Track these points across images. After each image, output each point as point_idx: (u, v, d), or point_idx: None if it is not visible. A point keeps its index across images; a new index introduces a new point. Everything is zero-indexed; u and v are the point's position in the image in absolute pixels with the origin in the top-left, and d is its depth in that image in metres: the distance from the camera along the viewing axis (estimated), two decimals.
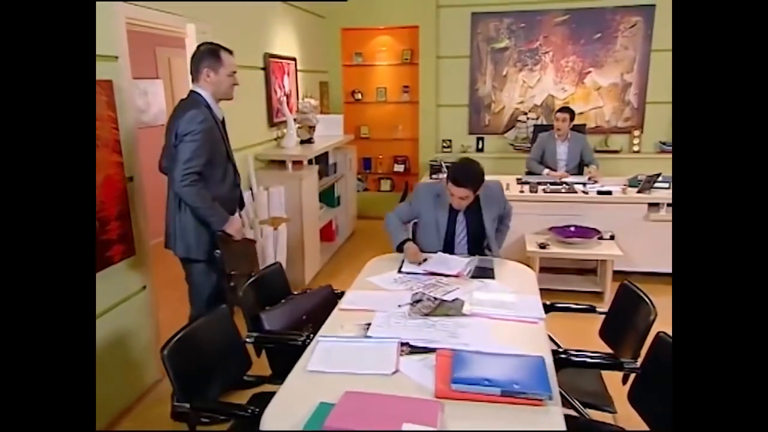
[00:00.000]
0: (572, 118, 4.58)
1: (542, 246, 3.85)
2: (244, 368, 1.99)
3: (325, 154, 4.85)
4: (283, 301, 2.28)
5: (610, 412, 1.92)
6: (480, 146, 6.02)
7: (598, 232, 3.91)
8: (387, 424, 1.30)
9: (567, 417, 1.83)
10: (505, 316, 1.97)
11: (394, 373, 1.60)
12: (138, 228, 2.61)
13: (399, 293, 2.20)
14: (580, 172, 4.74)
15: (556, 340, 2.34)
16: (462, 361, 1.60)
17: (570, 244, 3.86)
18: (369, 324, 1.91)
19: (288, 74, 4.68)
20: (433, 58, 5.82)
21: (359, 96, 6.19)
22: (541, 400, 1.43)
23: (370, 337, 1.82)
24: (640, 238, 4.05)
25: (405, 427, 1.28)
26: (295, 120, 4.42)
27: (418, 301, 2.11)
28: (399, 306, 2.07)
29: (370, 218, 6.11)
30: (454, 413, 1.41)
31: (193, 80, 2.40)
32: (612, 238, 3.99)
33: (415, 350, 1.74)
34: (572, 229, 3.95)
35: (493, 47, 5.82)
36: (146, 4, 2.67)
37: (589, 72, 5.71)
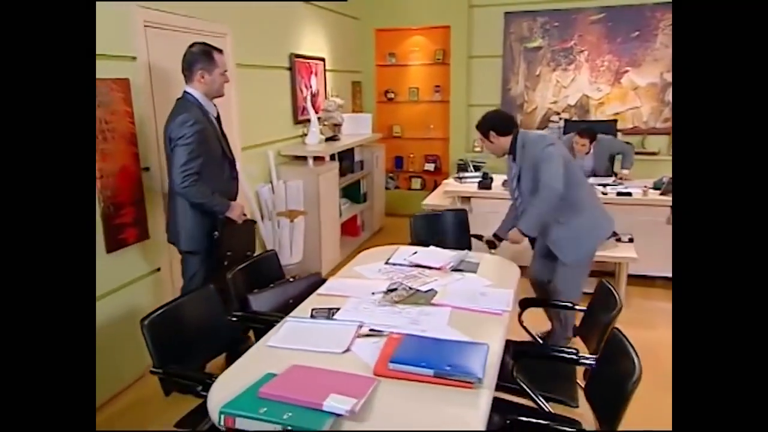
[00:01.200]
0: (592, 141, 4.38)
1: None
2: (230, 344, 2.15)
3: (351, 152, 4.99)
4: (272, 285, 2.43)
5: (572, 407, 1.93)
6: None
7: (616, 234, 3.82)
8: (316, 395, 1.40)
9: (523, 407, 1.88)
10: (470, 307, 2.02)
11: (344, 351, 1.70)
12: (153, 214, 2.85)
13: (378, 282, 2.30)
14: (612, 174, 4.60)
15: (533, 333, 2.36)
16: (409, 344, 1.68)
17: None
18: (337, 309, 2.02)
19: (316, 74, 4.86)
20: (464, 57, 5.84)
21: (392, 96, 6.30)
22: (471, 382, 1.49)
23: (334, 319, 1.94)
24: (661, 242, 3.92)
25: (330, 398, 1.38)
26: (319, 118, 4.59)
27: (392, 290, 2.20)
28: (373, 294, 2.17)
29: (399, 215, 6.19)
30: (388, 390, 1.50)
31: (186, 81, 2.48)
32: (631, 240, 3.88)
33: (373, 333, 1.83)
34: None
35: (526, 47, 5.77)
36: (163, 5, 2.89)
37: (626, 71, 5.54)
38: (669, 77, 5.42)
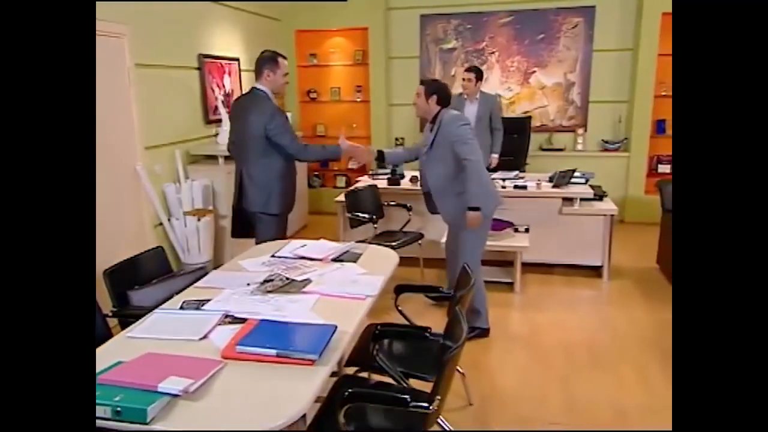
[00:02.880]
0: (479, 78, 4.64)
1: None
2: None
3: None
4: (154, 281, 2.46)
5: (427, 381, 2.07)
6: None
7: (512, 224, 4.06)
8: (154, 378, 1.47)
9: (381, 383, 2.01)
10: (337, 293, 2.14)
11: (201, 339, 1.78)
12: None
13: (258, 274, 2.38)
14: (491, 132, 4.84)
15: (409, 319, 2.50)
16: (262, 329, 1.77)
17: None
18: (207, 300, 2.09)
19: (229, 74, 4.87)
20: (383, 58, 5.99)
21: (314, 95, 6.38)
22: (312, 360, 1.60)
23: (202, 310, 2.01)
24: (556, 232, 4.20)
25: (167, 380, 1.46)
26: None
27: (268, 281, 2.28)
28: (248, 285, 2.25)
29: (324, 213, 6.30)
30: (233, 371, 1.59)
31: (256, 79, 3.06)
32: (527, 231, 4.13)
33: (236, 321, 1.91)
34: None
35: (441, 48, 5.98)
36: None
37: (534, 72, 5.85)
38: (572, 77, 5.76)
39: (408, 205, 4.22)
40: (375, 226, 4.01)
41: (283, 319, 1.89)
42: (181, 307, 2.05)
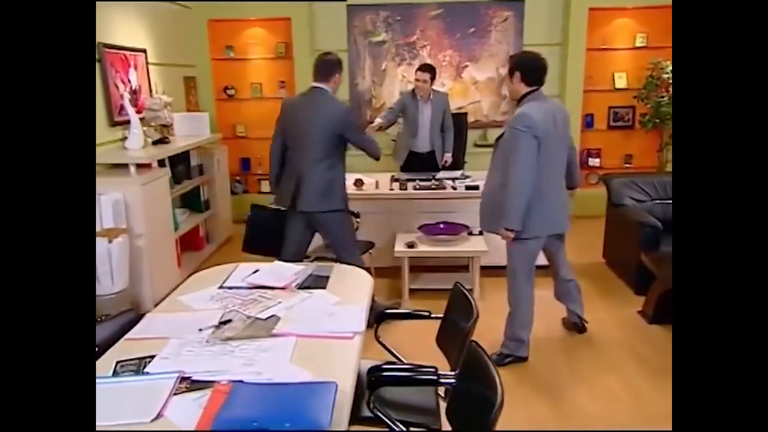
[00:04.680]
0: (433, 77, 4.47)
1: (410, 245, 3.73)
2: None
3: (186, 155, 4.45)
4: None
5: (434, 430, 1.77)
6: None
7: (467, 228, 3.86)
8: None
9: None
10: (317, 333, 1.76)
11: (155, 419, 1.33)
12: None
13: (210, 314, 1.93)
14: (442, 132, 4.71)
15: (395, 352, 2.18)
16: (238, 396, 1.36)
17: (438, 242, 3.77)
18: (152, 356, 1.62)
19: (135, 67, 4.22)
20: (309, 51, 5.56)
21: (232, 92, 5.81)
22: None
23: (146, 373, 1.54)
24: None
25: None
26: (142, 118, 3.98)
27: (226, 322, 1.85)
28: (200, 330, 1.80)
29: None
30: None
31: (320, 80, 3.10)
32: (481, 233, 3.96)
33: (196, 386, 1.48)
34: (441, 226, 3.87)
35: (370, 41, 5.68)
36: None
37: (467, 66, 5.73)
38: (504, 72, 5.70)
39: (355, 211, 3.87)
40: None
41: (259, 378, 1.49)
42: (115, 372, 1.56)
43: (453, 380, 1.66)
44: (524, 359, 2.99)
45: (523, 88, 2.73)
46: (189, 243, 4.57)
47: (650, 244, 3.61)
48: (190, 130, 4.72)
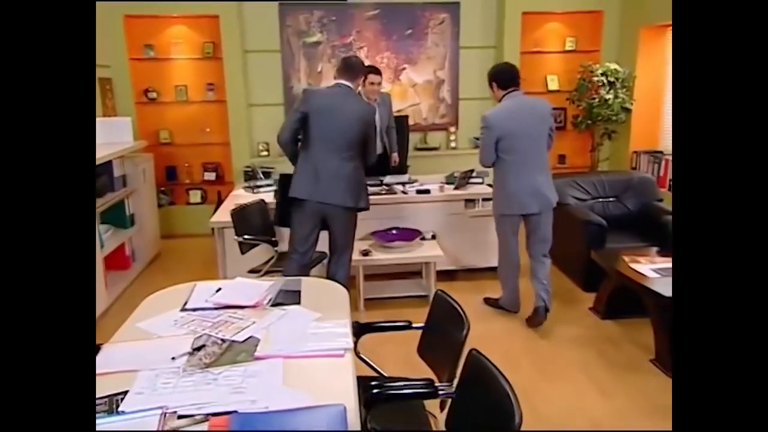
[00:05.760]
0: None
1: (365, 253, 3.71)
2: None
3: (108, 166, 4.15)
4: None
5: None
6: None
7: (420, 232, 3.90)
8: None
9: None
10: (305, 353, 1.70)
11: None
12: None
13: (178, 340, 1.80)
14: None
15: (376, 367, 2.15)
16: (241, 428, 1.28)
17: (392, 248, 3.78)
18: (124, 393, 1.49)
19: None
20: (239, 52, 5.39)
21: (154, 95, 5.50)
22: None
23: (121, 412, 1.41)
24: (460, 235, 4.15)
25: None
26: None
27: (199, 348, 1.74)
28: (173, 359, 1.67)
29: (179, 237, 5.48)
30: None
31: (348, 79, 3.21)
32: (434, 237, 4.02)
33: (183, 423, 1.37)
34: (393, 232, 3.88)
35: (305, 41, 5.60)
36: None
37: (404, 68, 5.81)
38: (442, 75, 5.86)
39: None
40: (276, 249, 3.50)
41: (255, 406, 1.41)
42: None
43: (451, 391, 1.66)
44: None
45: (501, 93, 3.37)
46: (113, 262, 4.26)
47: (597, 241, 3.84)
48: (109, 138, 4.42)
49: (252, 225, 3.54)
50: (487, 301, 3.81)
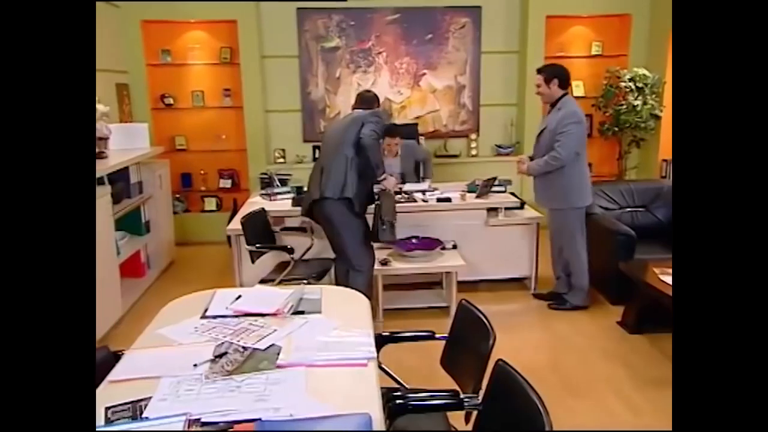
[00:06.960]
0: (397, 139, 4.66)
1: (384, 263, 3.74)
2: None
3: (125, 172, 4.25)
4: None
5: None
6: (317, 155, 5.82)
7: (440, 242, 3.92)
8: None
9: None
10: (328, 362, 1.73)
11: None
12: None
13: (199, 347, 1.84)
14: (418, 180, 4.76)
15: (398, 378, 2.17)
16: None
17: (412, 257, 3.80)
18: (148, 399, 1.53)
19: None
20: (256, 57, 5.49)
21: (170, 101, 5.62)
22: None
23: (146, 419, 1.45)
24: (482, 245, 4.16)
25: None
26: None
27: (221, 356, 1.78)
28: (195, 366, 1.71)
29: (193, 244, 5.57)
30: None
31: (363, 107, 3.63)
32: (455, 247, 4.03)
33: (207, 429, 1.40)
34: (414, 241, 3.91)
35: (323, 46, 5.68)
36: None
37: (424, 74, 5.85)
38: (463, 80, 5.89)
39: (308, 227, 3.84)
40: (292, 256, 3.55)
41: (279, 414, 1.44)
42: (108, 420, 1.46)
43: (478, 403, 1.68)
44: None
45: (559, 91, 3.63)
46: (128, 270, 4.34)
47: (625, 252, 3.81)
48: (126, 143, 4.52)
49: (253, 233, 3.60)
50: (551, 305, 3.99)
